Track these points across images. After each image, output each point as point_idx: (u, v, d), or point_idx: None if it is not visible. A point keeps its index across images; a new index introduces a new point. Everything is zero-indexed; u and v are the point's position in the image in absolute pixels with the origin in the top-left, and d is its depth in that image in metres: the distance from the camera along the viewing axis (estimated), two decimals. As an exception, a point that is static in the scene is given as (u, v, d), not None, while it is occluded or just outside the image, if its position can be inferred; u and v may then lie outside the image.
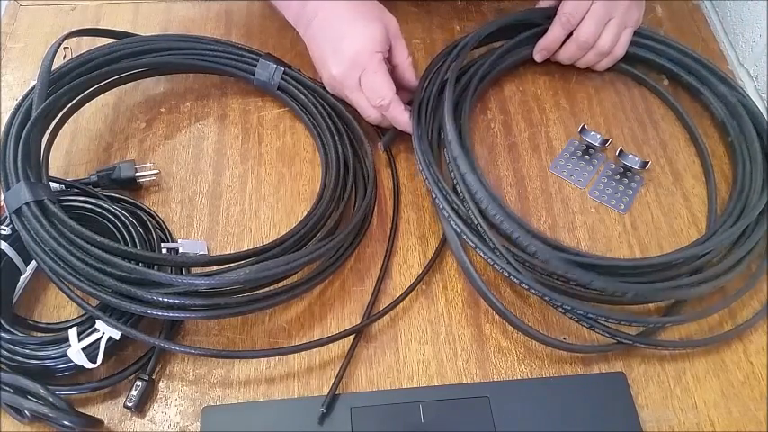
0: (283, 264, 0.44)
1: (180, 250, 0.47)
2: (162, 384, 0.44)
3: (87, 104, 0.53)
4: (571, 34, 0.58)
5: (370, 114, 0.54)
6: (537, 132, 0.58)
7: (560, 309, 0.45)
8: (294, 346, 0.44)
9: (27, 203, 0.42)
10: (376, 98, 0.52)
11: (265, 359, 0.45)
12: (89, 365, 0.41)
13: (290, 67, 0.56)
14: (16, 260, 0.45)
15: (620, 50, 0.59)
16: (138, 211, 0.48)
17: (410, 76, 0.55)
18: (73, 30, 0.52)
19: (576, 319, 0.45)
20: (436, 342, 0.47)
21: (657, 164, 0.57)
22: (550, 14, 0.58)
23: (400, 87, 0.54)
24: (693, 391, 0.45)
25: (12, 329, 0.42)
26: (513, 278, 0.45)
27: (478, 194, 0.46)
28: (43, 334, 0.44)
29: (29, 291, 0.47)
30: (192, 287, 0.41)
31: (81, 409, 0.41)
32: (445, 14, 0.67)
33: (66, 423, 0.39)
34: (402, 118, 0.53)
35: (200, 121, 0.57)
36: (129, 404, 0.42)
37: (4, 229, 0.45)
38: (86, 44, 0.58)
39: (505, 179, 0.55)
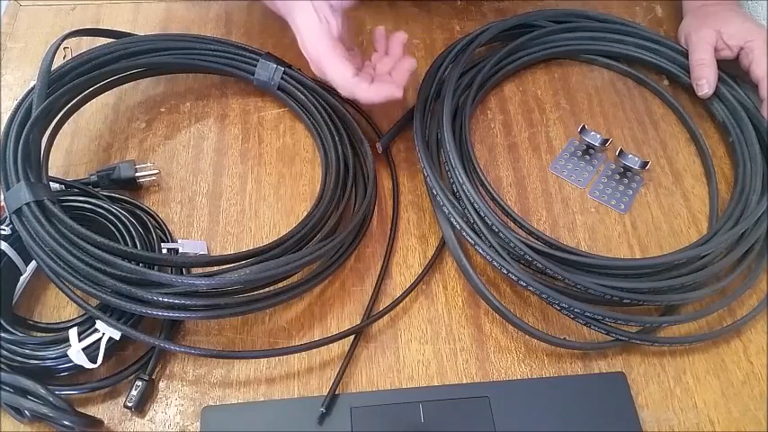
0: (283, 264, 0.44)
1: (180, 250, 0.47)
2: (162, 384, 0.44)
3: (87, 104, 0.52)
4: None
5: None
6: (537, 132, 0.58)
7: (557, 306, 0.45)
8: (294, 347, 0.44)
9: (27, 203, 0.42)
10: (341, 90, 0.49)
11: (265, 359, 0.45)
12: (89, 366, 0.41)
13: (290, 66, 0.56)
14: (16, 260, 0.45)
15: None
16: (138, 211, 0.48)
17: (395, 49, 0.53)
18: (73, 29, 0.52)
19: (573, 317, 0.45)
20: (436, 342, 0.47)
21: (657, 164, 0.57)
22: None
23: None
24: (693, 391, 0.45)
25: (12, 329, 0.42)
26: (511, 275, 0.45)
27: (477, 203, 0.47)
28: (43, 334, 0.44)
29: (29, 291, 0.47)
30: (193, 287, 0.41)
31: (81, 409, 0.41)
32: (445, 14, 0.67)
33: (66, 423, 0.39)
34: (367, 96, 0.48)
35: (200, 121, 0.57)
36: (129, 404, 0.42)
37: (4, 229, 0.45)
38: (86, 44, 0.58)
39: (505, 179, 0.55)
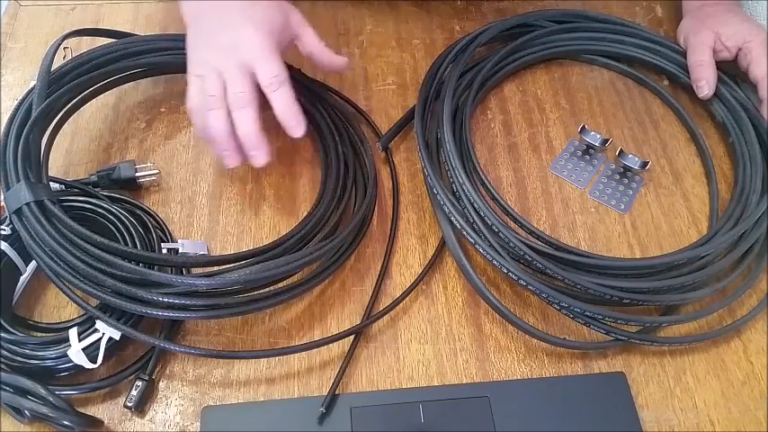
0: (283, 264, 0.44)
1: (180, 250, 0.47)
2: (162, 384, 0.44)
3: (87, 104, 0.52)
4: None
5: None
6: (537, 132, 0.58)
7: (557, 306, 0.45)
8: (294, 347, 0.44)
9: (27, 203, 0.42)
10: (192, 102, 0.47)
11: (265, 359, 0.45)
12: (89, 366, 0.41)
13: (289, 66, 0.56)
14: (16, 260, 0.45)
15: None
16: (138, 211, 0.48)
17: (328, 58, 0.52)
18: (73, 29, 0.52)
19: (572, 317, 0.45)
20: (436, 342, 0.47)
21: (657, 164, 0.57)
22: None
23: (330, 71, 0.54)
24: (693, 391, 0.45)
25: (12, 329, 0.42)
26: (511, 275, 0.45)
27: (477, 203, 0.47)
28: (43, 334, 0.44)
29: (29, 291, 0.47)
30: (193, 287, 0.41)
31: (81, 409, 0.41)
32: (445, 14, 0.67)
33: (66, 423, 0.39)
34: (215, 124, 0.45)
35: (201, 121, 0.57)
36: (129, 404, 0.42)
37: (4, 229, 0.45)
38: (86, 44, 0.58)
39: (505, 179, 0.55)
